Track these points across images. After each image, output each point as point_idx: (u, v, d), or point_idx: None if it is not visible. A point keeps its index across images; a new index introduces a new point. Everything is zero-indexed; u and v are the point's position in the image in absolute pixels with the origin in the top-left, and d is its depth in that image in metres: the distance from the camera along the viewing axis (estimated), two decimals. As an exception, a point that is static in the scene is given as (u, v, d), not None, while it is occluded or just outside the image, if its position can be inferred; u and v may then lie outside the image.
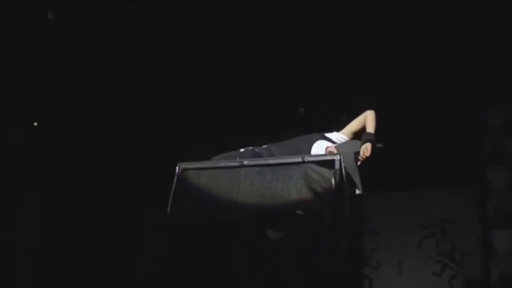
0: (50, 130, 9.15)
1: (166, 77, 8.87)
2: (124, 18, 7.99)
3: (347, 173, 4.30)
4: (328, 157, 4.29)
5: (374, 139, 4.74)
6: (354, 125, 5.05)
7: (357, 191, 4.47)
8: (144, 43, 8.29)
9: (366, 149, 4.65)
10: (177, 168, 4.56)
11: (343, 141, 4.97)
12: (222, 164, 4.52)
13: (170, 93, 9.17)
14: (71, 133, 9.33)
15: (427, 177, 9.32)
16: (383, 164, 5.03)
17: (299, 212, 4.20)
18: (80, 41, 8.18)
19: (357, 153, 4.69)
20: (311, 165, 4.26)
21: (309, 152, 4.71)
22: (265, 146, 4.80)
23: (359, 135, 4.93)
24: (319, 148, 4.72)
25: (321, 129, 5.03)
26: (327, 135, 4.96)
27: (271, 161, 4.41)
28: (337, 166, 4.18)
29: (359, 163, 4.64)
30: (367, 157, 4.63)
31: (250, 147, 4.69)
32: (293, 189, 4.25)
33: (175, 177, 4.52)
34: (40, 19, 7.80)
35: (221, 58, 8.50)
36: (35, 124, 8.91)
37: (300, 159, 4.33)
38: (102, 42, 8.23)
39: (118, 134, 9.61)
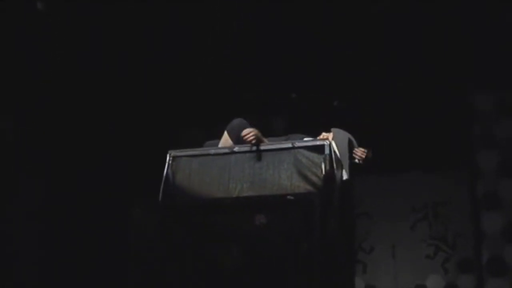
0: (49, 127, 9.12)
1: (166, 77, 8.87)
2: (124, 18, 8.00)
3: (337, 157, 4.28)
4: (318, 143, 4.28)
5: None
6: None
7: (344, 176, 4.46)
8: (144, 43, 8.29)
9: (358, 149, 4.80)
10: (168, 155, 4.55)
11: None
12: (212, 151, 4.52)
13: (170, 93, 9.16)
14: (70, 130, 9.30)
15: (418, 160, 9.31)
16: (375, 147, 5.05)
17: (290, 197, 4.19)
18: (80, 41, 8.18)
19: (350, 142, 4.73)
20: (301, 150, 4.27)
21: None
22: None
23: None
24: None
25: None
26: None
27: (261, 147, 4.40)
28: (327, 151, 4.17)
29: (353, 160, 4.70)
30: (360, 155, 4.76)
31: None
32: (284, 175, 4.25)
33: (166, 165, 4.51)
34: (39, 19, 7.81)
35: (221, 58, 8.51)
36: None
37: (290, 145, 4.33)
38: (102, 42, 8.24)
39: (117, 133, 9.57)
